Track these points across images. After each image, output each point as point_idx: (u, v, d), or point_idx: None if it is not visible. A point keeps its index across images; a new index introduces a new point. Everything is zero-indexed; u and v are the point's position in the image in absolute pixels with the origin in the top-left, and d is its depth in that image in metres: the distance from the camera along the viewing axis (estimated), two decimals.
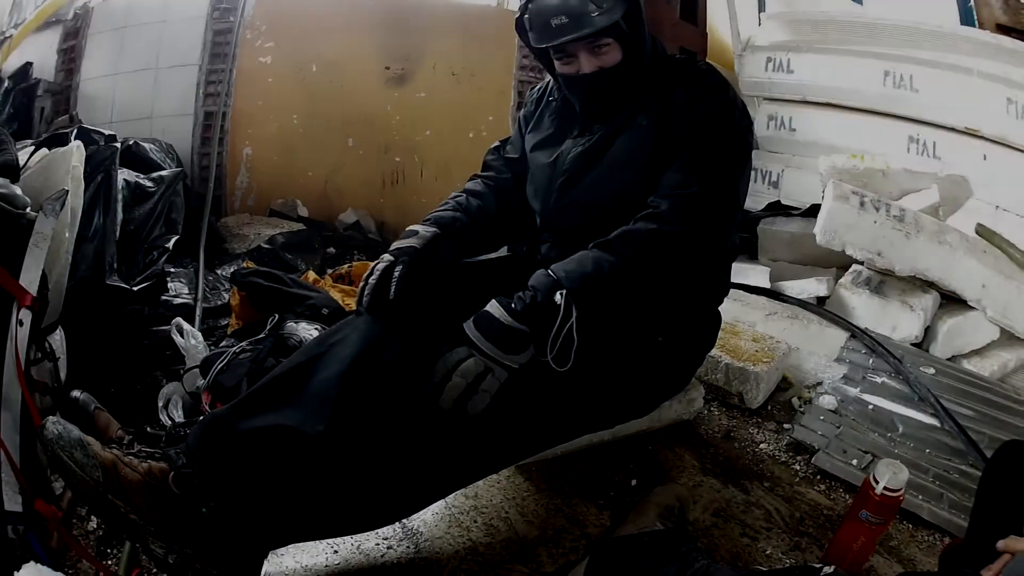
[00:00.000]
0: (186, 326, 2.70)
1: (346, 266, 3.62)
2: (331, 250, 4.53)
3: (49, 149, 2.62)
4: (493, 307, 1.65)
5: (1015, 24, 4.88)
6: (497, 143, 2.31)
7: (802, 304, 3.51)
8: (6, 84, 4.58)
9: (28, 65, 4.75)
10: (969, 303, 3.34)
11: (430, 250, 1.91)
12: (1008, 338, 3.38)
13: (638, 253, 1.71)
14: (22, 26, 4.77)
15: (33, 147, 2.87)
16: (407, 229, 1.97)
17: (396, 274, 1.79)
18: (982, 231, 3.54)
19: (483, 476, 1.83)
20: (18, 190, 1.95)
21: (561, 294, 1.63)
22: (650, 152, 1.85)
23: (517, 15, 1.90)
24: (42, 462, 1.77)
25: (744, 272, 3.78)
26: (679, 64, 1.96)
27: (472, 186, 2.19)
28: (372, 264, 1.85)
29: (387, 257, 1.85)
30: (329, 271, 3.66)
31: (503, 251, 2.33)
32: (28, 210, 1.94)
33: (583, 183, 1.95)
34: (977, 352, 3.34)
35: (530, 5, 1.83)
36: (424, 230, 1.95)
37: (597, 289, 1.67)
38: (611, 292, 1.70)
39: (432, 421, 1.61)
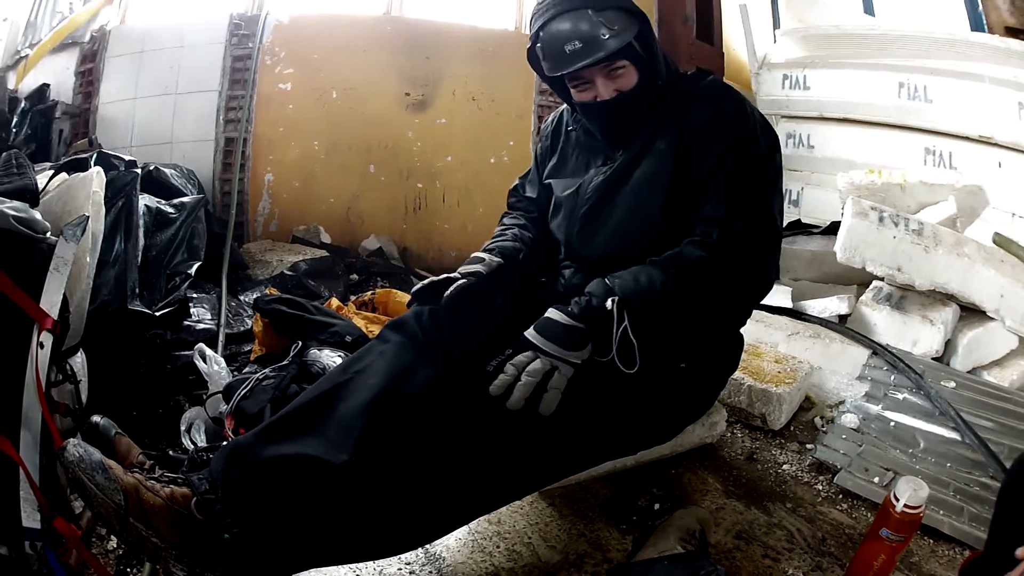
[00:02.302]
0: (208, 352, 2.73)
1: (369, 293, 3.65)
2: (354, 277, 4.57)
3: (68, 174, 2.65)
4: (552, 312, 1.72)
5: (1023, 26, 4.86)
6: (515, 183, 2.35)
7: (824, 323, 3.50)
8: (23, 105, 4.65)
9: (45, 87, 4.85)
10: (988, 314, 3.32)
11: (494, 276, 1.99)
12: None
13: (689, 277, 1.73)
14: (38, 47, 4.86)
15: (52, 171, 2.91)
16: (472, 255, 2.03)
17: (459, 283, 1.89)
18: (999, 240, 3.52)
19: (506, 503, 1.84)
20: (38, 215, 1.96)
21: (613, 300, 1.68)
22: (670, 176, 1.86)
23: (528, 46, 1.92)
24: (62, 482, 1.80)
25: None
26: (692, 80, 1.98)
27: (515, 221, 2.24)
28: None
29: (454, 275, 1.92)
30: (352, 298, 3.69)
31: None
32: (48, 235, 1.96)
33: (606, 211, 1.97)
34: (997, 363, 3.32)
35: (541, 34, 1.85)
36: (490, 259, 2.01)
37: (647, 302, 1.71)
38: (660, 308, 1.73)
39: (486, 427, 1.64)
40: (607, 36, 1.77)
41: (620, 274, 1.76)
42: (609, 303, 1.68)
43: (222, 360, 2.77)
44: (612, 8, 1.80)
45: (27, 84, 4.86)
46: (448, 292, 1.87)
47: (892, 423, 2.74)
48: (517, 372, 1.63)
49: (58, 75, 4.96)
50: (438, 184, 5.13)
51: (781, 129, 5.51)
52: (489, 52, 5.14)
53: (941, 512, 2.28)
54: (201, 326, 3.31)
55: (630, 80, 1.87)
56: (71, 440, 1.57)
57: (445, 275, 1.93)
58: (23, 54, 4.96)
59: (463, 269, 1.96)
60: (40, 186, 2.36)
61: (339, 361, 2.52)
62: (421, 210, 5.14)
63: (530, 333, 1.69)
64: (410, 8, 5.23)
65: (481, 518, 2.03)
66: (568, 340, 1.66)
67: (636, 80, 1.87)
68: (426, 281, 1.94)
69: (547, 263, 2.21)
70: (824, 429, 2.81)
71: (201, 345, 2.77)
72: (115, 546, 1.94)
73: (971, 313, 3.43)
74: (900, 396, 2.89)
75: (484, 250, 2.07)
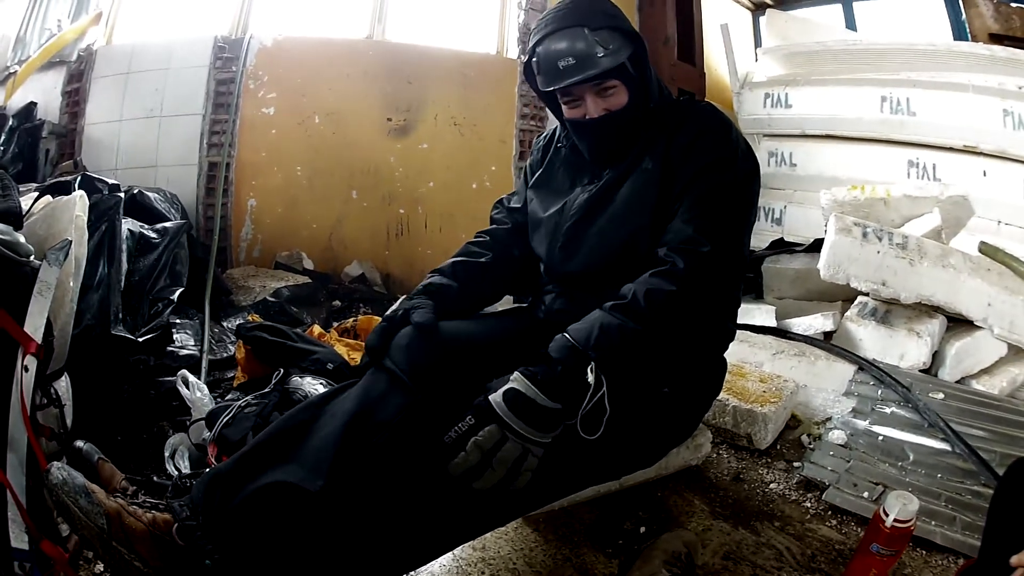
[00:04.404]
0: (191, 378, 2.72)
1: (351, 320, 3.63)
2: (336, 303, 4.55)
3: (52, 196, 2.65)
4: (521, 384, 1.60)
5: (1007, 31, 4.91)
6: (503, 196, 2.32)
7: (808, 340, 3.50)
8: (11, 122, 4.65)
9: (33, 105, 4.84)
10: (976, 323, 3.32)
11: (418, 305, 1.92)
12: (1016, 352, 3.36)
13: (661, 318, 1.69)
14: (26, 64, 4.85)
15: (36, 193, 2.90)
16: (397, 303, 1.98)
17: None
18: (985, 249, 3.53)
19: (490, 530, 1.81)
20: (21, 238, 1.98)
21: (591, 369, 1.62)
22: (655, 196, 1.85)
23: (525, 59, 1.93)
24: (48, 505, 1.79)
25: (750, 312, 3.78)
26: (681, 105, 1.98)
27: (466, 248, 2.18)
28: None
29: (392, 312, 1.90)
30: (335, 325, 3.68)
31: (508, 301, 2.33)
32: (32, 258, 1.96)
33: (590, 228, 1.95)
34: (986, 371, 3.33)
35: (538, 48, 1.85)
36: (419, 300, 1.94)
37: (624, 358, 1.67)
38: (636, 358, 1.70)
39: (453, 492, 1.59)
40: (601, 55, 1.77)
41: (586, 329, 1.68)
42: (590, 375, 1.62)
43: (205, 387, 2.76)
44: (608, 28, 1.81)
45: (15, 101, 4.86)
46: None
47: (880, 437, 2.73)
48: (481, 453, 1.55)
49: (46, 93, 4.96)
50: (420, 209, 5.12)
51: (763, 148, 5.54)
52: (471, 76, 5.13)
53: (933, 523, 2.26)
54: (184, 352, 3.29)
55: (620, 100, 1.86)
56: (55, 463, 1.58)
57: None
58: (12, 70, 4.96)
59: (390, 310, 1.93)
60: (24, 208, 2.36)
61: (321, 389, 2.51)
62: (403, 236, 5.13)
63: (497, 404, 1.58)
64: (392, 32, 5.22)
65: (465, 544, 2.00)
66: (543, 422, 1.59)
67: (626, 100, 1.87)
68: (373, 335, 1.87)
69: (508, 274, 2.17)
70: (811, 447, 2.79)
71: (184, 371, 2.76)
72: (102, 570, 1.92)
73: (958, 324, 3.44)
74: (888, 410, 2.89)
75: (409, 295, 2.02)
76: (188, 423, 2.57)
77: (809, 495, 2.51)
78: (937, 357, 3.36)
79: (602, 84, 1.83)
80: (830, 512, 2.42)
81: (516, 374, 1.62)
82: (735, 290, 1.91)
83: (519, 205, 2.22)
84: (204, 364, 3.25)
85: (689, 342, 1.86)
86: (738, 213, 1.83)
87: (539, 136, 2.27)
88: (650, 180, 1.86)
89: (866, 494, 2.43)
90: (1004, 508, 1.56)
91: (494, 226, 2.24)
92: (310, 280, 4.65)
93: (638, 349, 1.69)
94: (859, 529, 2.32)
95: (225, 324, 3.79)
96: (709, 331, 1.96)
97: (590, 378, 1.61)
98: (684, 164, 1.82)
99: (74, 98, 4.92)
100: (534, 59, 1.88)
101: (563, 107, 1.94)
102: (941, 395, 2.96)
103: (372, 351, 1.80)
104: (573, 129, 1.98)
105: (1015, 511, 1.52)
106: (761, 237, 4.95)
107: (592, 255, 1.94)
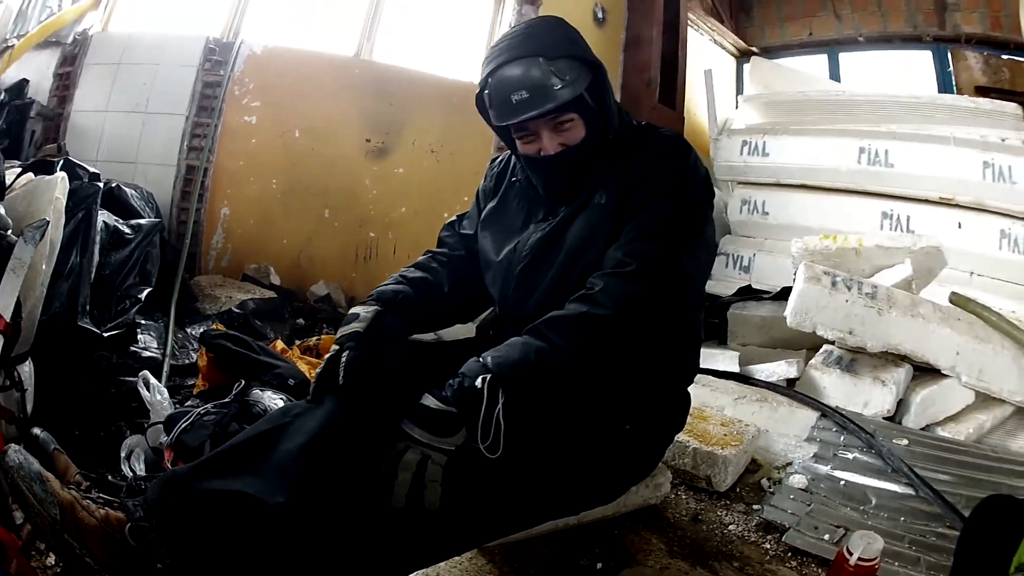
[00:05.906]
0: (153, 380, 2.70)
1: (314, 339, 3.64)
2: (300, 321, 4.53)
3: (35, 175, 2.62)
4: (425, 398, 1.61)
5: (995, 83, 5.02)
6: (453, 218, 2.27)
7: (771, 387, 3.51)
8: (2, 96, 4.64)
9: (24, 82, 4.85)
10: (943, 371, 3.35)
11: (375, 330, 1.85)
12: (984, 399, 3.39)
13: (566, 338, 1.64)
14: (23, 39, 4.80)
15: (20, 169, 2.89)
16: (349, 312, 1.92)
17: (343, 359, 1.74)
18: (957, 299, 3.55)
19: (444, 559, 1.79)
20: (1, 210, 1.98)
21: (483, 379, 1.58)
22: (607, 231, 1.80)
23: (477, 91, 1.87)
24: (4, 488, 1.75)
25: (713, 358, 3.79)
26: (641, 131, 1.93)
27: (420, 260, 2.15)
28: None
29: (333, 348, 1.81)
30: (297, 342, 3.68)
31: (471, 332, 2.28)
32: (9, 233, 1.95)
33: (543, 270, 1.90)
34: (952, 418, 3.34)
35: (490, 80, 1.79)
36: (364, 311, 1.88)
37: (523, 375, 1.61)
38: (540, 378, 1.63)
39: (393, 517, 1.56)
40: (557, 87, 1.72)
41: (496, 349, 1.66)
42: (479, 382, 1.58)
43: (165, 391, 2.74)
44: (565, 57, 1.76)
45: (9, 76, 4.83)
46: (343, 378, 1.74)
47: (842, 482, 2.73)
48: (389, 466, 1.55)
49: (39, 72, 4.96)
50: (391, 235, 5.08)
51: (736, 195, 5.58)
52: (453, 104, 5.11)
53: (896, 564, 2.25)
54: (147, 354, 3.29)
55: (577, 134, 1.81)
56: (12, 446, 1.56)
57: (327, 357, 1.80)
58: (10, 43, 4.90)
59: (342, 332, 1.85)
60: (6, 182, 2.35)
61: (281, 404, 2.47)
62: (371, 259, 5.08)
63: (404, 421, 1.60)
64: (380, 53, 5.23)
65: (418, 573, 1.97)
66: (438, 426, 1.57)
67: (584, 134, 1.82)
68: (315, 378, 1.80)
69: (461, 301, 2.14)
70: (771, 490, 2.78)
71: (146, 373, 2.74)
72: (54, 562, 1.88)
73: (924, 372, 3.46)
74: (850, 456, 2.89)
75: (362, 302, 1.97)
76: (146, 425, 2.54)
77: (769, 537, 2.50)
78: (902, 405, 3.36)
79: (558, 118, 1.78)
80: (790, 554, 2.40)
81: (425, 393, 1.62)
82: (684, 315, 1.85)
83: (472, 232, 2.16)
84: (165, 368, 3.23)
85: (645, 374, 1.82)
86: (677, 234, 1.75)
87: (494, 160, 2.22)
88: (603, 215, 1.82)
89: (827, 536, 2.42)
90: (971, 545, 1.57)
91: (446, 250, 2.19)
92: (276, 295, 4.63)
93: (543, 369, 1.63)
94: (820, 570, 2.31)
95: (189, 331, 3.77)
96: (669, 362, 1.91)
97: (479, 384, 1.57)
98: (636, 192, 1.78)
99: (64, 82, 4.94)
100: (486, 91, 1.82)
101: (517, 142, 1.88)
102: (905, 441, 2.96)
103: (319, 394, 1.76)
104: (528, 165, 1.92)
105: (982, 548, 1.52)
106: (728, 284, 4.99)
107: (545, 296, 1.88)
